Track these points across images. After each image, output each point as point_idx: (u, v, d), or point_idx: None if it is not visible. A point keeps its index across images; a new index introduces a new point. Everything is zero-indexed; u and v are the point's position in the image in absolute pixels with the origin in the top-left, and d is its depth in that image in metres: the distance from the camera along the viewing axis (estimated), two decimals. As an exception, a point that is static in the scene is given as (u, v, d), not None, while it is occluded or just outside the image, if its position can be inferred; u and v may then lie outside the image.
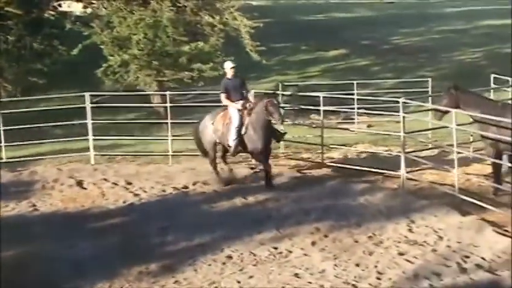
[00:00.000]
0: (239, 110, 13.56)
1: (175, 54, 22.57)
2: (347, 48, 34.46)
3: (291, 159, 16.09)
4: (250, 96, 14.36)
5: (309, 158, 16.07)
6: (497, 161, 12.24)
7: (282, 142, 15.68)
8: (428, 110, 15.29)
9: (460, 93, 12.72)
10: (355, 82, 19.95)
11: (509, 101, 15.59)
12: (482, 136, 12.70)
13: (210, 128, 14.05)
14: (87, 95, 16.66)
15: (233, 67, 13.93)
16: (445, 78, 26.34)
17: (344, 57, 33.71)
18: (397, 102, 13.78)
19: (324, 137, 15.58)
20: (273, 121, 13.41)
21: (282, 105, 16.26)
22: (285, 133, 14.58)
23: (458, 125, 12.43)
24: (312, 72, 30.45)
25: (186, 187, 14.20)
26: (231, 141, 13.55)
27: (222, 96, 13.85)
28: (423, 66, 31.01)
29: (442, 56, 33.24)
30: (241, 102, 13.70)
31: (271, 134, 13.66)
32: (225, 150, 14.08)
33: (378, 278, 9.25)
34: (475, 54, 33.77)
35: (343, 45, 34.63)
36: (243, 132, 13.47)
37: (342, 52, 34.14)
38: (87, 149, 16.60)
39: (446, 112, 12.85)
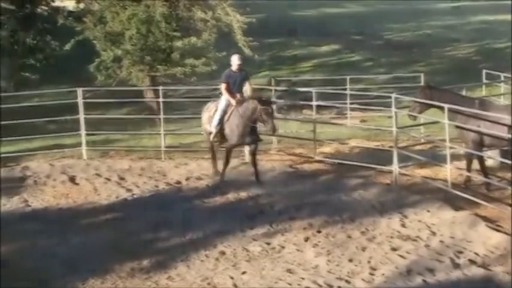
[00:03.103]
0: (230, 102, 13.66)
1: (168, 49, 22.51)
2: (339, 44, 34.46)
3: (284, 154, 16.09)
4: (248, 91, 14.22)
5: (301, 153, 16.07)
6: (480, 153, 12.35)
7: (274, 137, 15.83)
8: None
9: (434, 91, 12.81)
10: (347, 77, 19.93)
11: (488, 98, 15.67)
12: (459, 127, 12.70)
13: (205, 115, 14.21)
14: (79, 90, 16.60)
15: (240, 64, 13.90)
16: (437, 74, 26.42)
17: (336, 52, 33.69)
18: (390, 97, 13.80)
19: (317, 132, 15.63)
20: (265, 128, 13.44)
21: (274, 100, 16.36)
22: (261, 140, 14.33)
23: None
24: (304, 68, 30.44)
25: (179, 182, 14.18)
26: (213, 127, 13.72)
27: (223, 86, 13.85)
28: (415, 62, 31.02)
29: (434, 51, 33.26)
30: (238, 95, 13.78)
31: (252, 130, 13.60)
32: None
33: (371, 274, 9.24)
34: (467, 50, 33.83)
35: (335, 40, 34.63)
36: (225, 119, 13.60)
37: (334, 47, 34.13)
38: (79, 144, 16.54)
39: (424, 107, 12.96)
